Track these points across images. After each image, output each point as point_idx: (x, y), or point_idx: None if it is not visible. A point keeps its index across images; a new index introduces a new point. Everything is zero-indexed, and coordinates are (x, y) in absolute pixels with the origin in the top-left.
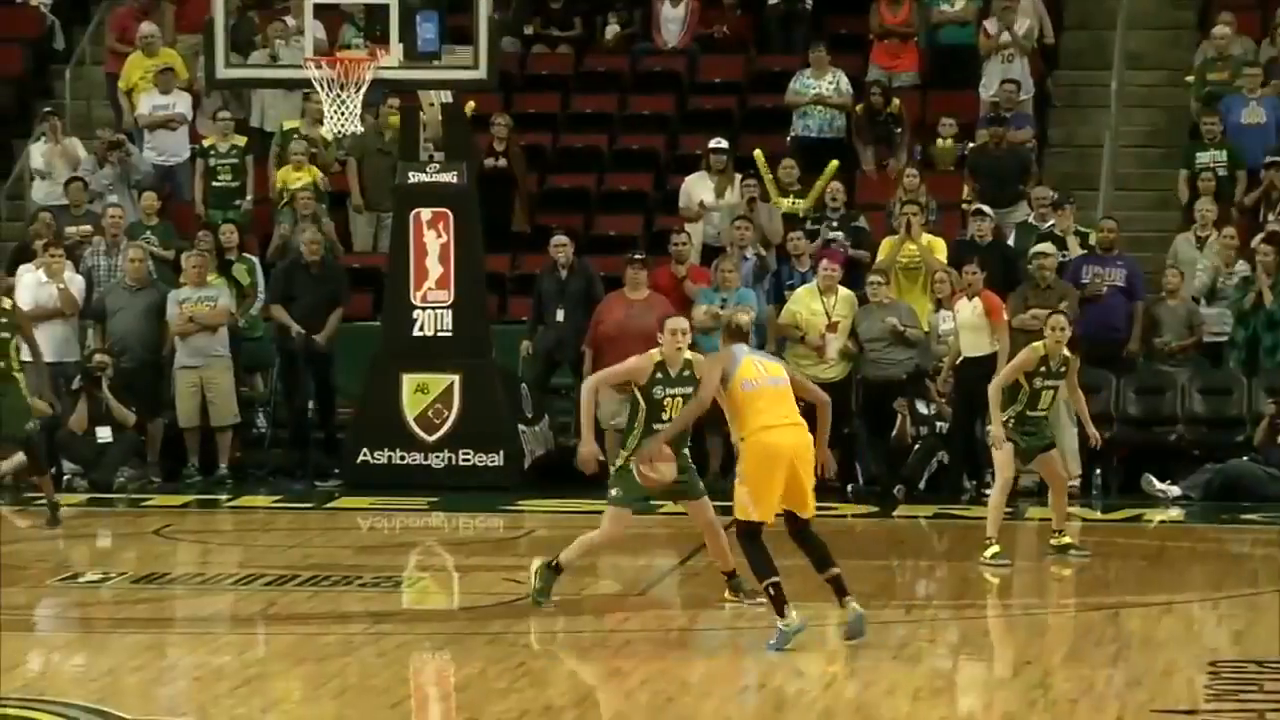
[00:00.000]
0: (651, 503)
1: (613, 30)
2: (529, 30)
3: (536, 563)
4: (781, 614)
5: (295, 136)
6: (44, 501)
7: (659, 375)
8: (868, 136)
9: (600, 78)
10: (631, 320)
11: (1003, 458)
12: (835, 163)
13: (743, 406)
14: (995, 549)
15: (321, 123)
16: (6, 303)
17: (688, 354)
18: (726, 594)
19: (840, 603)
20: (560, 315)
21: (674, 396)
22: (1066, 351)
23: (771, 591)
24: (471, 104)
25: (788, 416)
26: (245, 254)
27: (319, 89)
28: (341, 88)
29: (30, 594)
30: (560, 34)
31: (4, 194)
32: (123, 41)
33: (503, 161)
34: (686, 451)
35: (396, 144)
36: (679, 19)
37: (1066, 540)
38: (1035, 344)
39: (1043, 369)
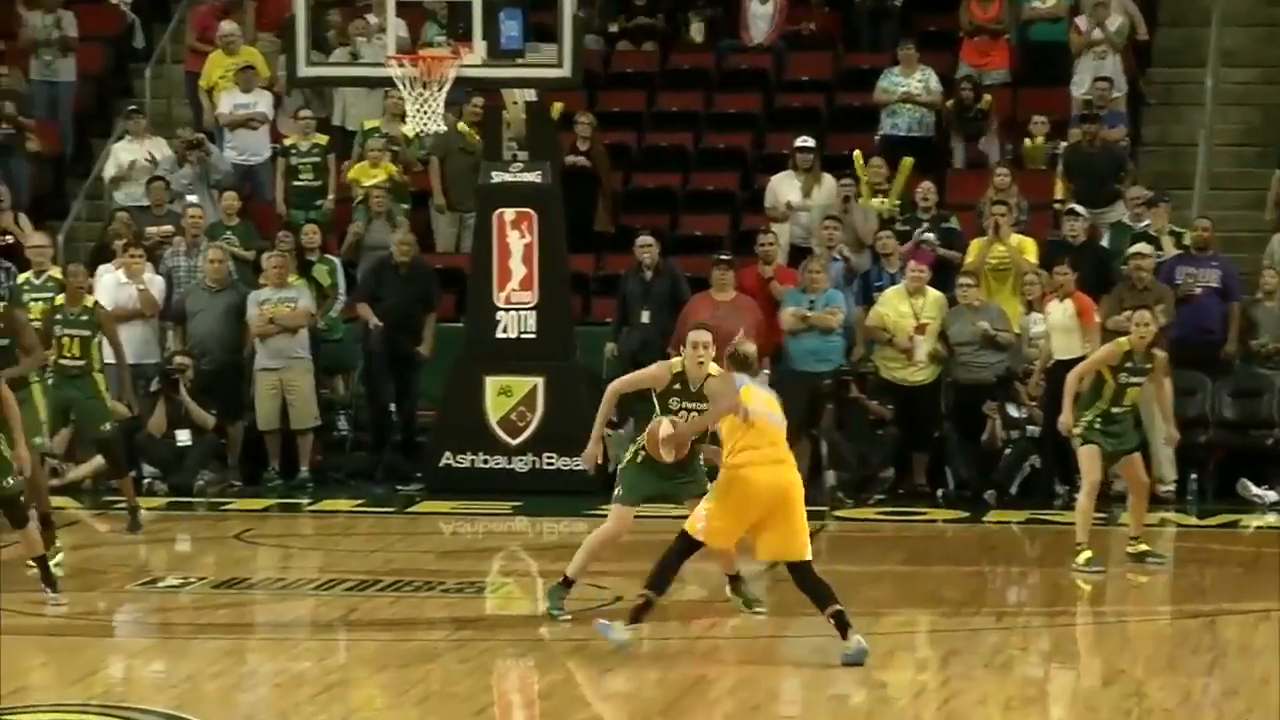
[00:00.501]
0: (656, 500)
1: (698, 27)
2: (613, 28)
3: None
4: (630, 621)
5: (375, 134)
6: (124, 505)
7: (677, 386)
8: (958, 134)
9: (686, 75)
10: (718, 322)
11: (1089, 460)
12: (910, 160)
13: (733, 432)
14: (1087, 554)
15: (402, 119)
16: (89, 300)
17: (711, 368)
18: (728, 593)
19: (844, 636)
20: (645, 317)
21: (689, 410)
22: (1155, 350)
23: (640, 602)
24: (559, 105)
25: (777, 454)
26: (327, 255)
27: (401, 87)
28: (424, 86)
29: (110, 599)
30: (646, 27)
31: (83, 193)
32: (203, 40)
33: (587, 161)
34: (701, 461)
35: (479, 143)
36: (767, 16)
37: (1143, 547)
38: (1120, 339)
39: (1127, 364)
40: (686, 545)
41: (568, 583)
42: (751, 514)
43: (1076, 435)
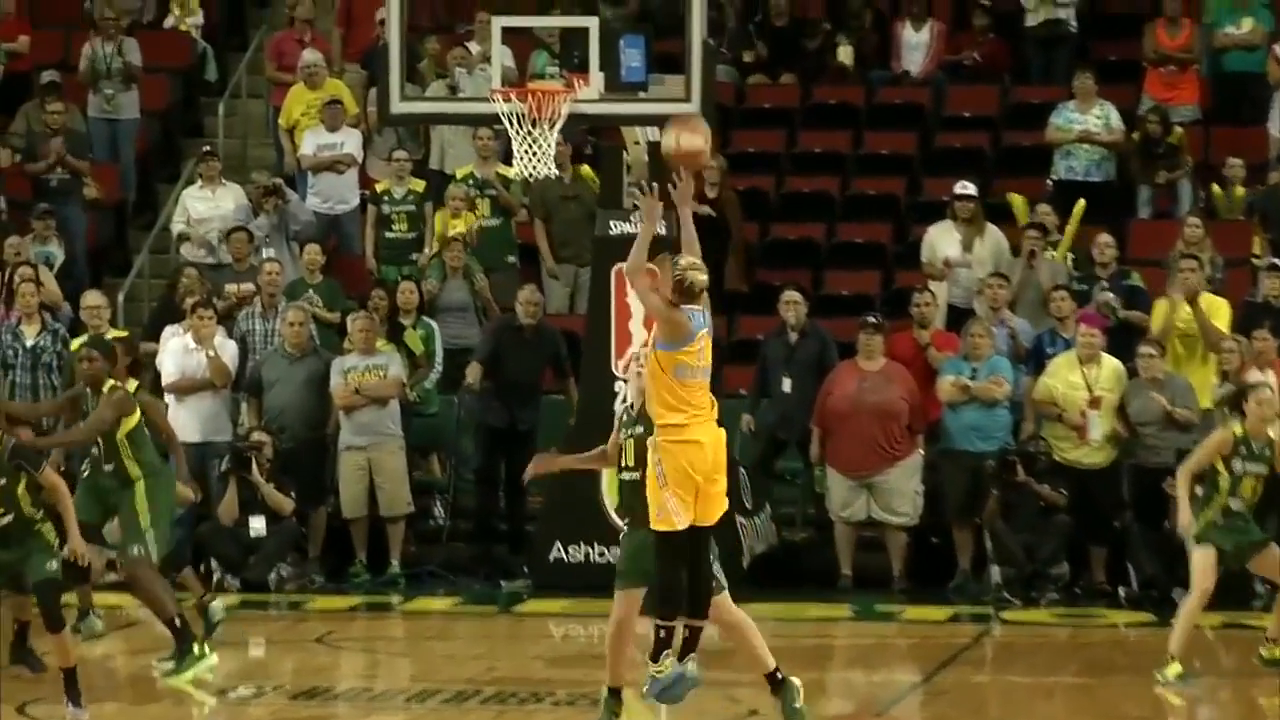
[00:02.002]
0: None
1: (847, 50)
2: (748, 57)
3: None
4: (682, 656)
5: (463, 180)
6: (192, 603)
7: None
8: (1144, 176)
9: (830, 111)
10: (865, 394)
11: (1201, 564)
12: (1081, 203)
13: (666, 392)
14: (1177, 668)
15: (493, 161)
16: (132, 384)
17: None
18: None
19: (680, 658)
20: (787, 386)
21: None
22: (1271, 432)
23: (683, 634)
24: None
25: (710, 411)
26: (424, 316)
27: (507, 125)
28: (533, 124)
29: (175, 711)
30: (784, 55)
31: (147, 246)
32: (283, 70)
33: (715, 210)
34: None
35: (584, 188)
36: (922, 44)
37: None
38: (1232, 423)
39: (1241, 450)
40: (670, 545)
41: (615, 693)
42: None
43: (1193, 536)
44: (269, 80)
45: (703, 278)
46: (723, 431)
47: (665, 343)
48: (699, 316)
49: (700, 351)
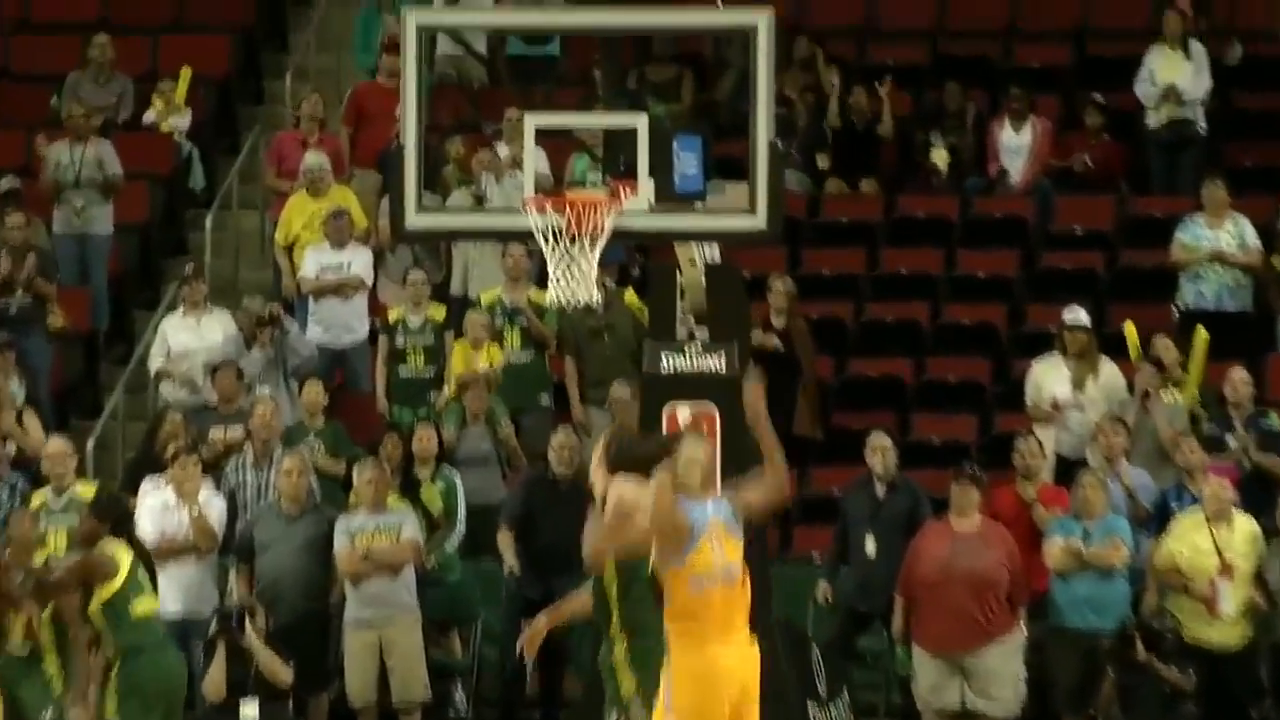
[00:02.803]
0: None
1: (941, 155)
2: (822, 162)
3: None
4: None
5: (489, 306)
6: None
7: None
8: None
9: (918, 226)
10: (958, 559)
11: None
12: (1205, 335)
13: (676, 591)
14: None
15: (525, 284)
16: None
17: None
18: None
19: None
20: (871, 548)
21: None
22: None
23: None
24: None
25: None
26: (445, 468)
27: (541, 241)
28: (572, 240)
29: None
30: (862, 157)
31: (122, 384)
32: (283, 176)
33: (783, 342)
34: None
35: (619, 317)
36: (1024, 147)
37: None
38: None
39: None
40: None
41: None
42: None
43: None
44: (266, 189)
45: (698, 474)
46: (755, 652)
47: (668, 558)
48: (702, 509)
49: (715, 549)
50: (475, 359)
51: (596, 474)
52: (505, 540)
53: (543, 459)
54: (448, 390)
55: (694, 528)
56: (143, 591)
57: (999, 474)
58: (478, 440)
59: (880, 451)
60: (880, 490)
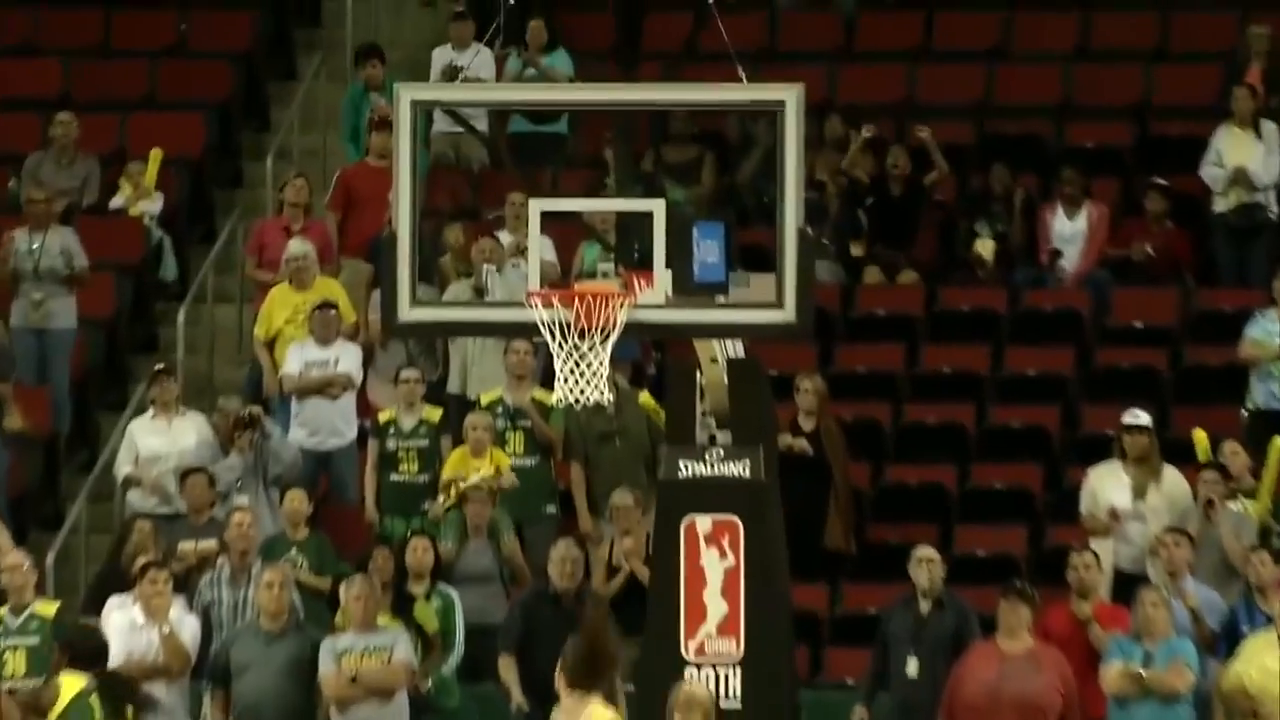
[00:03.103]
0: None
1: (986, 245)
2: (856, 250)
3: None
4: None
5: (490, 407)
6: None
7: None
8: None
9: (962, 320)
10: (1006, 684)
11: None
12: (1279, 441)
13: None
14: None
15: (530, 383)
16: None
17: None
18: None
19: None
20: (913, 669)
21: None
22: None
23: None
24: None
25: None
26: (441, 584)
27: (548, 337)
28: (581, 335)
29: None
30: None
31: (85, 492)
32: (264, 265)
33: (812, 446)
34: None
35: (630, 420)
36: (1079, 234)
37: None
38: None
39: None
40: None
41: None
42: None
43: None
44: (246, 279)
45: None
46: None
47: None
48: None
49: None
50: (476, 465)
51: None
52: (508, 667)
53: (544, 574)
54: (443, 499)
55: None
56: None
57: (1052, 591)
58: (479, 555)
59: (926, 564)
60: (925, 607)
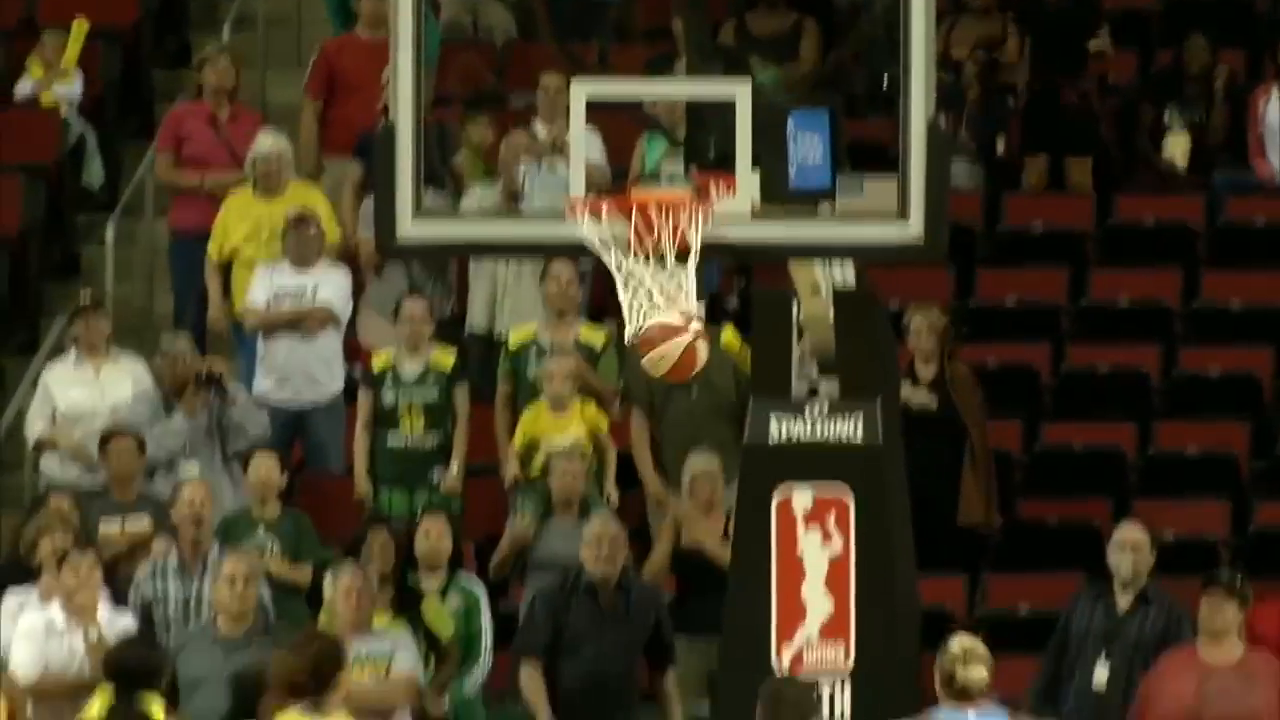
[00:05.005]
0: None
1: (1178, 143)
2: (1002, 148)
3: None
4: None
5: (520, 349)
6: None
7: None
8: None
9: (1144, 238)
10: (1211, 702)
11: None
12: None
13: None
14: None
15: (573, 318)
16: None
17: None
18: None
19: None
20: (1101, 677)
21: None
22: None
23: None
24: None
25: None
26: (464, 576)
27: (602, 255)
28: (647, 258)
29: None
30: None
31: None
32: (185, 165)
33: (936, 399)
34: None
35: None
36: None
37: None
38: None
39: None
40: None
41: None
42: None
43: None
44: (160, 183)
45: (980, 674)
46: None
47: None
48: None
49: None
50: (558, 425)
51: None
52: (531, 678)
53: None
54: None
55: None
56: None
57: (1263, 582)
58: (564, 536)
59: (1130, 549)
60: (1124, 603)
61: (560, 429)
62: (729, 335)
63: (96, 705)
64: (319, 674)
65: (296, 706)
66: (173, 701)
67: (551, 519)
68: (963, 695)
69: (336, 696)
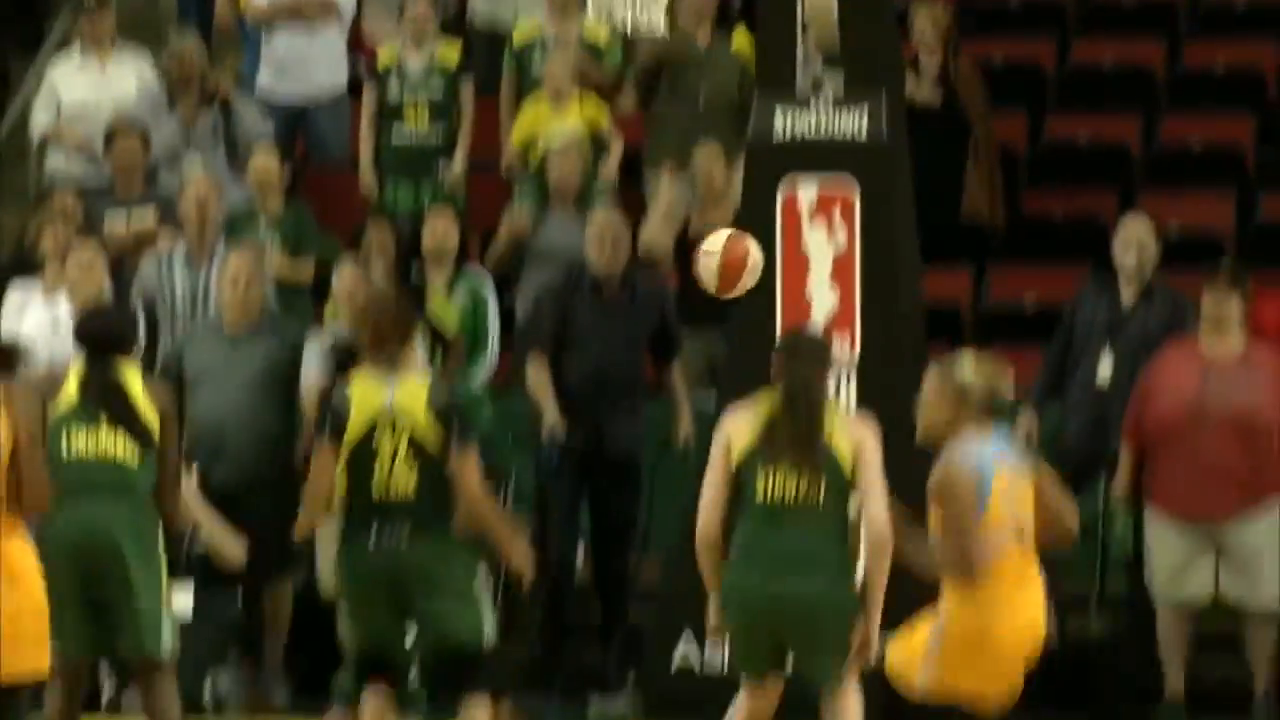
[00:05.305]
0: None
1: None
2: None
3: None
4: None
5: (523, 45)
6: None
7: None
8: None
9: None
10: (1213, 395)
11: None
12: None
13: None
14: None
15: (575, 10)
16: None
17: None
18: None
19: None
20: (1105, 370)
21: None
22: None
23: None
24: None
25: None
26: (470, 269)
27: None
28: None
29: None
30: None
31: None
32: None
33: (941, 95)
34: None
35: (717, 65)
36: None
37: None
38: None
39: None
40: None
41: None
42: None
43: None
44: None
45: (1006, 385)
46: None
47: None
48: (984, 453)
49: (1005, 500)
50: (557, 118)
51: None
52: (538, 373)
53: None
54: (514, 148)
55: (981, 482)
56: None
57: (1267, 275)
58: (562, 229)
59: (1136, 246)
60: (1128, 296)
61: (559, 122)
62: (741, 37)
63: (72, 378)
64: (401, 327)
65: (373, 369)
66: (179, 392)
67: (549, 211)
68: (995, 410)
69: (411, 355)
